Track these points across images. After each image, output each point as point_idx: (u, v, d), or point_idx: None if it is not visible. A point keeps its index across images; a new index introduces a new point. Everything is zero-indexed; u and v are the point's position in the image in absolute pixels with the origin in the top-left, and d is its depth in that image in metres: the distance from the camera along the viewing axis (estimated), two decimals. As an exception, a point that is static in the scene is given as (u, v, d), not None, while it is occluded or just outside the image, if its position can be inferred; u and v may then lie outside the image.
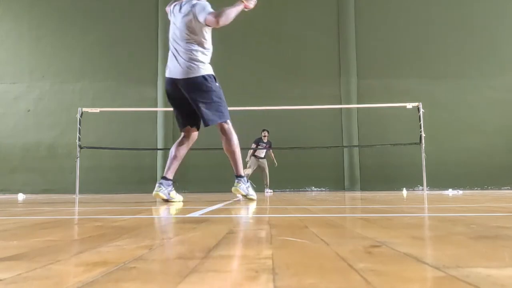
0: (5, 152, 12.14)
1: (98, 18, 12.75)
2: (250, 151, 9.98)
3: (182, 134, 4.22)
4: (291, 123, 11.73)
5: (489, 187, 11.58)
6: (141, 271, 0.75)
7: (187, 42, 4.03)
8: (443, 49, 12.28)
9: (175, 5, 4.22)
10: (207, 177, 11.16)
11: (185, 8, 4.06)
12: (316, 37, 12.47)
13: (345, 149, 11.73)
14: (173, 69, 4.10)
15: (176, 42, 4.12)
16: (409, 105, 7.82)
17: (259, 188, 10.14)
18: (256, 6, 4.25)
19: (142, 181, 11.86)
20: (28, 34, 12.75)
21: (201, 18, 3.92)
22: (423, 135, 7.57)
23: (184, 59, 4.02)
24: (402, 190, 8.78)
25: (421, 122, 7.63)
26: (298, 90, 11.97)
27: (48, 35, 12.74)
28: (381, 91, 11.87)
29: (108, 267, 0.78)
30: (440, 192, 8.52)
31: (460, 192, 8.12)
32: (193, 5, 4.00)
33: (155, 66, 12.39)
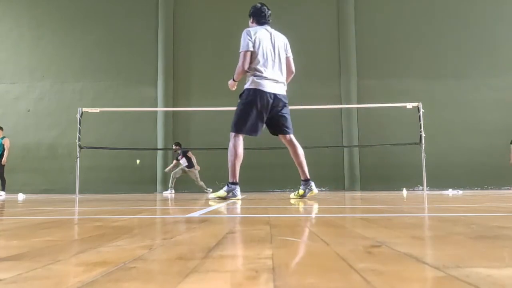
0: (5, 152, 12.13)
1: (98, 18, 12.75)
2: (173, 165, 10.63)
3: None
4: (291, 123, 11.72)
5: (489, 187, 11.58)
6: (141, 271, 0.75)
7: None
8: (443, 49, 12.28)
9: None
10: (207, 177, 11.15)
11: None
12: (316, 37, 12.47)
13: (345, 149, 11.72)
14: None
15: None
16: (409, 105, 7.82)
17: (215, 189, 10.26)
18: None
19: (142, 181, 11.87)
20: (28, 34, 12.76)
21: None
22: (423, 135, 7.57)
23: None
24: (402, 190, 8.78)
25: (421, 122, 7.63)
26: (298, 90, 11.95)
27: (48, 35, 12.74)
28: (381, 91, 11.87)
29: (108, 267, 0.78)
30: (440, 192, 8.52)
31: (460, 192, 8.12)
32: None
33: (155, 66, 12.39)
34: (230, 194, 4.31)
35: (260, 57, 4.33)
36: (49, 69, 12.60)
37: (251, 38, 4.33)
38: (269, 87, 4.33)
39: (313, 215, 2.14)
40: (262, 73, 4.31)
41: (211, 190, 9.92)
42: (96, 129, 11.18)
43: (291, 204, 3.35)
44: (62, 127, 12.11)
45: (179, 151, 10.39)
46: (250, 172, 11.29)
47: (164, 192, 10.42)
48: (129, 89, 12.36)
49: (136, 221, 1.91)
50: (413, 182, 11.00)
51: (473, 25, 12.34)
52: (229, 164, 4.36)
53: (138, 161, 8.95)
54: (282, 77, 4.48)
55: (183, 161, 10.41)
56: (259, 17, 4.51)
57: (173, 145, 10.59)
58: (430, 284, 0.65)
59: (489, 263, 0.79)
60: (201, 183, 10.44)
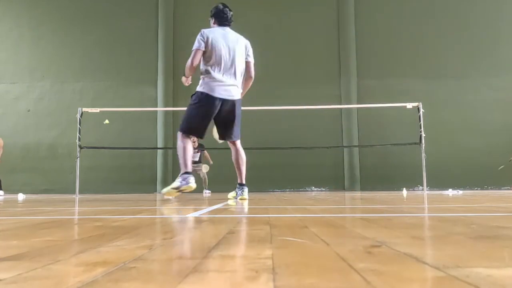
0: (5, 152, 12.12)
1: (98, 18, 12.75)
2: None
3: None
4: (291, 123, 11.73)
5: (489, 187, 11.58)
6: (141, 271, 0.75)
7: None
8: (443, 49, 12.28)
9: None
10: (207, 177, 11.16)
11: None
12: (316, 37, 12.47)
13: (345, 149, 11.73)
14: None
15: None
16: (409, 105, 7.82)
17: (199, 189, 10.10)
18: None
19: (142, 181, 11.87)
20: (28, 34, 12.75)
21: None
22: (423, 135, 7.57)
23: None
24: (402, 190, 8.78)
25: (421, 122, 7.63)
26: (298, 90, 11.97)
27: (48, 35, 12.74)
28: (381, 91, 11.87)
29: (108, 267, 0.78)
30: (440, 192, 8.52)
31: (460, 192, 8.12)
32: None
33: (155, 66, 12.39)
34: (184, 182, 4.19)
35: (212, 58, 4.30)
36: (49, 69, 12.60)
37: (203, 38, 4.33)
38: (218, 91, 4.27)
39: (313, 215, 2.14)
40: (213, 75, 4.28)
41: (209, 191, 9.86)
42: (96, 129, 11.18)
43: (291, 204, 3.35)
44: (62, 127, 12.11)
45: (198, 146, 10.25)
46: (250, 172, 11.24)
47: (205, 191, 10.13)
48: (129, 89, 12.35)
49: (136, 221, 1.91)
50: (413, 182, 11.00)
51: (473, 25, 12.34)
52: (180, 160, 4.32)
53: (106, 121, 8.23)
54: (236, 81, 4.39)
55: (196, 156, 10.21)
56: (220, 19, 4.50)
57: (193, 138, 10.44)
58: (430, 284, 0.65)
59: (489, 263, 0.79)
60: (205, 177, 10.28)
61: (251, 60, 4.53)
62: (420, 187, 10.50)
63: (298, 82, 12.16)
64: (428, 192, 8.08)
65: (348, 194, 6.92)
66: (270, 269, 0.75)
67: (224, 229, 1.44)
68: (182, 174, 4.27)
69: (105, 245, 1.08)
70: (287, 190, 11.59)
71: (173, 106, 11.99)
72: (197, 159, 10.18)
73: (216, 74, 4.28)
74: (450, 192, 8.13)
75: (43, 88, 12.56)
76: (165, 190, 4.33)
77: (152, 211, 2.81)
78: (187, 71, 4.41)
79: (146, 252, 0.96)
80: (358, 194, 7.37)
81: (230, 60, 4.35)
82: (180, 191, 4.19)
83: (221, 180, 10.94)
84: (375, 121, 11.79)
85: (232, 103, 4.35)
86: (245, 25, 12.55)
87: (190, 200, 4.84)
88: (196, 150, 10.11)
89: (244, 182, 4.58)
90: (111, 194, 9.21)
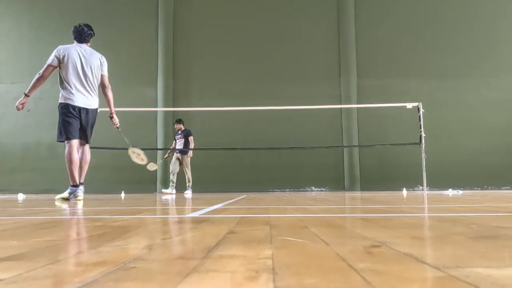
0: (5, 152, 12.13)
1: (98, 18, 12.73)
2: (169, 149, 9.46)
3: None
4: (291, 123, 11.72)
5: (489, 187, 11.58)
6: (141, 271, 0.75)
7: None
8: (443, 49, 12.28)
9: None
10: (207, 177, 11.17)
11: None
12: (316, 37, 12.47)
13: (345, 149, 11.73)
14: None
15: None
16: (409, 105, 7.83)
17: (194, 189, 9.49)
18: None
19: (142, 181, 11.86)
20: (28, 34, 12.75)
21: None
22: (423, 135, 7.57)
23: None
24: (402, 190, 8.78)
25: (421, 122, 7.63)
26: (298, 90, 11.96)
27: (48, 35, 12.73)
28: (381, 91, 11.87)
29: (108, 267, 0.78)
30: (440, 192, 8.51)
31: (460, 192, 8.12)
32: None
33: (155, 66, 12.39)
34: (72, 195, 4.89)
35: (69, 72, 4.81)
36: (49, 69, 12.59)
37: (58, 54, 4.85)
38: (78, 101, 4.85)
39: (313, 215, 2.14)
40: (71, 87, 4.82)
41: (190, 191, 9.08)
42: (96, 129, 11.14)
43: (291, 204, 3.35)
44: (62, 127, 12.11)
45: (182, 130, 9.21)
46: (250, 172, 11.30)
47: (164, 190, 9.45)
48: (129, 89, 12.34)
49: (136, 221, 1.91)
50: (413, 182, 11.00)
51: (473, 25, 12.34)
52: (67, 170, 5.06)
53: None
54: (93, 92, 5.04)
55: (180, 144, 9.21)
56: (79, 36, 5.07)
57: (175, 123, 9.34)
58: (430, 284, 0.65)
59: (489, 263, 0.79)
60: (189, 174, 9.25)
61: (105, 73, 5.30)
62: (420, 187, 10.50)
63: (298, 82, 12.15)
64: (428, 192, 8.08)
65: (348, 194, 6.91)
66: (270, 269, 0.75)
67: (224, 229, 1.44)
68: (71, 186, 4.94)
69: (105, 245, 1.08)
70: (287, 190, 11.58)
71: (173, 106, 12.00)
72: (180, 147, 9.20)
73: (73, 86, 4.82)
74: (450, 192, 8.13)
75: (43, 88, 12.46)
76: (58, 196, 5.00)
77: (152, 211, 2.81)
78: (35, 82, 4.95)
79: (146, 252, 0.96)
80: (358, 194, 7.37)
81: (86, 74, 4.92)
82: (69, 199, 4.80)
83: (219, 180, 10.94)
84: (375, 121, 11.79)
85: (91, 111, 5.04)
86: (245, 25, 12.58)
87: (191, 200, 4.83)
88: (180, 136, 9.23)
89: (82, 182, 5.21)
90: (111, 194, 9.20)
